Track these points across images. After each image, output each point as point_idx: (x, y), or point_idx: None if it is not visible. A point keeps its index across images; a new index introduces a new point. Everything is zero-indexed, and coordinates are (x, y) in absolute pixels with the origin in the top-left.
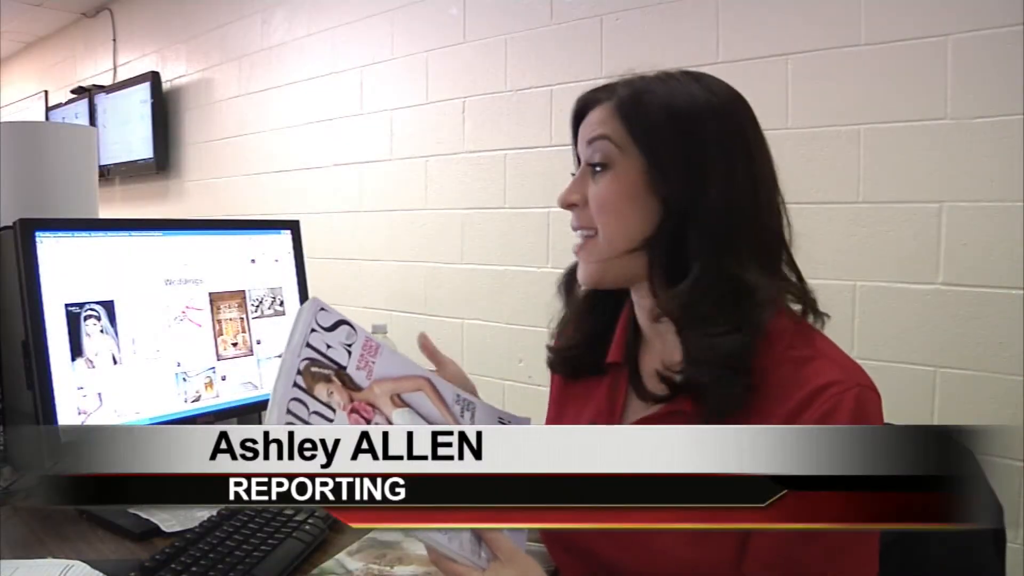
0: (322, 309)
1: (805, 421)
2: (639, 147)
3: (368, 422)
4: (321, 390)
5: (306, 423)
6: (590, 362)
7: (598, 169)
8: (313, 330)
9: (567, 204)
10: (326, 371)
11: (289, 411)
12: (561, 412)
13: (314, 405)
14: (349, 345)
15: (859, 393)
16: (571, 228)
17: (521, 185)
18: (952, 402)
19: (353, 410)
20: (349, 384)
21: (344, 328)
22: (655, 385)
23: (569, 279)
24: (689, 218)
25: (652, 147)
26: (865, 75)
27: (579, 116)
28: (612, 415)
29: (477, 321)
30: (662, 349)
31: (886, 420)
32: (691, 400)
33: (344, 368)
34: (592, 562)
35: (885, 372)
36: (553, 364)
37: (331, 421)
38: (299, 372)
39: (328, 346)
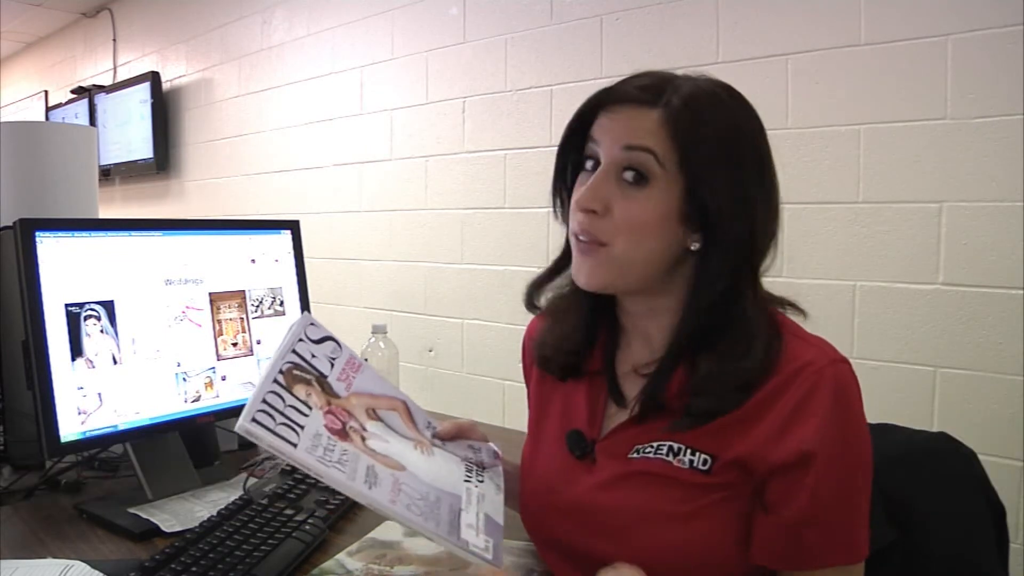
0: (312, 324)
1: (786, 401)
2: (683, 170)
3: (343, 425)
4: (300, 390)
5: (281, 414)
6: (578, 364)
7: (629, 180)
8: (300, 340)
9: (587, 210)
10: (307, 376)
11: (264, 400)
12: (543, 412)
13: (290, 400)
14: (333, 358)
15: (835, 369)
16: (573, 232)
17: (521, 185)
18: (952, 402)
19: (329, 412)
20: (328, 391)
21: (330, 343)
22: (631, 387)
23: (537, 287)
24: (714, 245)
25: (697, 174)
26: (865, 75)
27: (602, 105)
28: (593, 423)
29: (477, 321)
30: (640, 350)
31: (886, 420)
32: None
33: (325, 377)
34: (580, 559)
35: (885, 372)
36: (549, 365)
37: (306, 417)
38: (281, 372)
39: (313, 355)
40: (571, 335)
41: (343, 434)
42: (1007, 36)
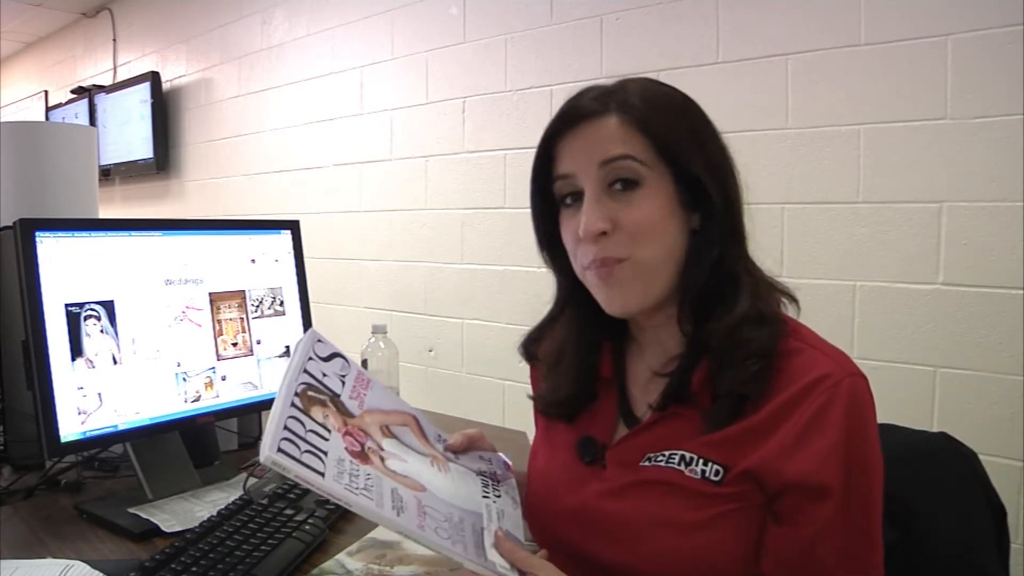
0: (319, 341)
1: (801, 413)
2: (663, 158)
3: (362, 446)
4: (317, 412)
5: (304, 440)
6: (584, 399)
7: (620, 189)
8: (310, 358)
9: (597, 233)
10: (322, 396)
11: (286, 427)
12: (552, 445)
13: (310, 424)
14: (343, 376)
15: (852, 383)
16: (587, 266)
17: (521, 185)
18: (952, 402)
19: (347, 433)
20: (343, 410)
21: (339, 360)
22: (643, 395)
23: (534, 340)
24: (711, 220)
25: (678, 156)
26: (865, 75)
27: (557, 135)
28: (605, 430)
29: (477, 321)
30: (655, 356)
31: (887, 420)
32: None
33: (338, 396)
34: (586, 563)
35: (885, 372)
36: (550, 412)
37: (326, 441)
38: (296, 395)
39: (324, 374)
40: (569, 385)
41: (363, 456)
42: (1007, 36)
